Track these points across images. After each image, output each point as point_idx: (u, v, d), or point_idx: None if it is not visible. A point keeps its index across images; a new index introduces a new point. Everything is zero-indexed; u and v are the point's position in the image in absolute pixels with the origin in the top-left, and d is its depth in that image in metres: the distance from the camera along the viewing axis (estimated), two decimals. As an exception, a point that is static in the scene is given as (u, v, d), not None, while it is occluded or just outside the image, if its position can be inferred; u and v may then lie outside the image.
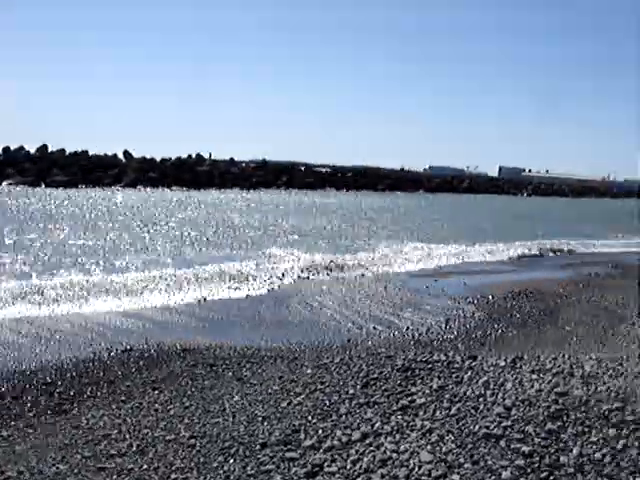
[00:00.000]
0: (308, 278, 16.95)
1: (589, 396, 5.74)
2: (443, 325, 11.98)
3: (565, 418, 5.33)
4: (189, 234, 26.68)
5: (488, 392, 6.11)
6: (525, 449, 4.83)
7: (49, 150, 66.13)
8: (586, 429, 5.13)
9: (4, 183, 54.21)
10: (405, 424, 5.63)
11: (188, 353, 9.23)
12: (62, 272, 15.91)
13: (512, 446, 4.91)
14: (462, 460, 4.84)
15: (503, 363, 7.16)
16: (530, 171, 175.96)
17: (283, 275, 16.90)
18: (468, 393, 6.16)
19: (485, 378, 6.58)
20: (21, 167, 58.71)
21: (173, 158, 75.59)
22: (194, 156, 78.57)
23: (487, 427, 5.26)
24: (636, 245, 30.39)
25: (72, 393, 7.62)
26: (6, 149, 62.71)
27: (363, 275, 17.81)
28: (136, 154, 73.05)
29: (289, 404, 6.55)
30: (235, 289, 14.70)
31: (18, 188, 51.57)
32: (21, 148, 63.86)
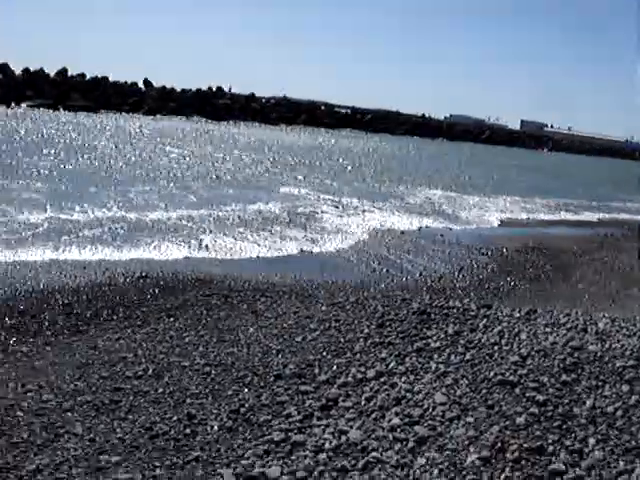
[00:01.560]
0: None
1: (603, 352, 5.75)
2: (456, 273, 11.99)
3: (580, 371, 5.35)
4: (196, 169, 26.33)
5: (503, 341, 6.13)
6: (540, 398, 4.86)
7: (69, 74, 65.56)
8: (600, 383, 5.15)
9: (23, 105, 54.08)
10: (420, 366, 5.68)
11: (203, 284, 9.24)
12: (76, 204, 15.30)
13: (527, 394, 4.94)
14: (476, 404, 4.89)
15: (518, 314, 7.17)
16: (552, 127, 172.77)
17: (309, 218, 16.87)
18: (483, 340, 6.18)
19: (500, 327, 6.60)
20: (41, 89, 58.34)
21: (193, 89, 75.17)
22: (214, 88, 77.98)
23: (502, 374, 5.29)
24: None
25: (89, 315, 7.66)
26: (26, 70, 62.08)
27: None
28: (156, 84, 72.90)
29: (304, 339, 6.60)
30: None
31: (37, 110, 51.39)
32: (41, 70, 63.23)
